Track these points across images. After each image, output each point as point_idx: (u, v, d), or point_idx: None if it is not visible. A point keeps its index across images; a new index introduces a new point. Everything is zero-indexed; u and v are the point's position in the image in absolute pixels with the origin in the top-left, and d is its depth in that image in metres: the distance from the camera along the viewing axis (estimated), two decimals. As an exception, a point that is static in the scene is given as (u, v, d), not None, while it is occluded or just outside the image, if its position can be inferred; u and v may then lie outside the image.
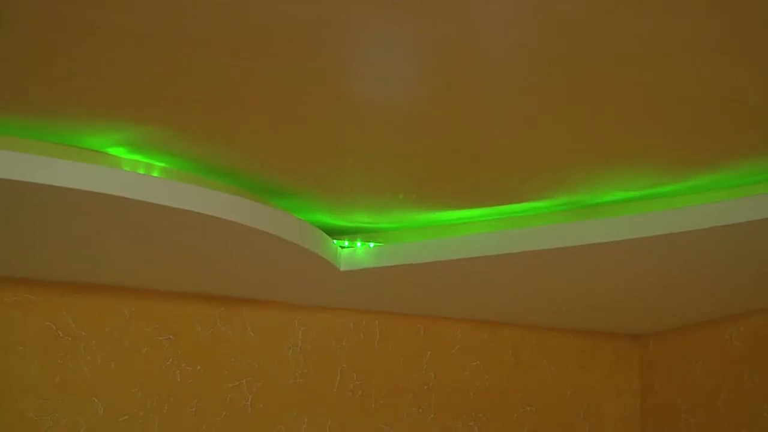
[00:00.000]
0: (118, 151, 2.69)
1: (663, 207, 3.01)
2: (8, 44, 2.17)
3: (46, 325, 3.38)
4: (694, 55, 2.21)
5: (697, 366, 3.96)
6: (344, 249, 3.37)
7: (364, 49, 2.26)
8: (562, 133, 2.68)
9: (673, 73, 2.31)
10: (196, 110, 2.54)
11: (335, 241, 3.35)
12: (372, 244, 3.38)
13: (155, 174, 2.79)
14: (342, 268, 3.34)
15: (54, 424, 3.31)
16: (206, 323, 3.59)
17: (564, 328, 4.06)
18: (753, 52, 2.23)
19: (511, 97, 2.46)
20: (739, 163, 2.83)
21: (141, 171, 2.76)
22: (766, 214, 2.81)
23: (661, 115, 2.55)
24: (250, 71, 2.33)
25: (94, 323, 3.45)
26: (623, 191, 3.00)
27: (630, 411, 4.12)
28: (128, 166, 2.74)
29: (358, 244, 3.38)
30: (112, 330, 3.46)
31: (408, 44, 2.20)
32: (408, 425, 3.79)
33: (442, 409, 3.83)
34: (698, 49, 2.19)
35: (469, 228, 3.32)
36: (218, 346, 3.61)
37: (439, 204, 3.22)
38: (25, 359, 3.34)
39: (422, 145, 2.79)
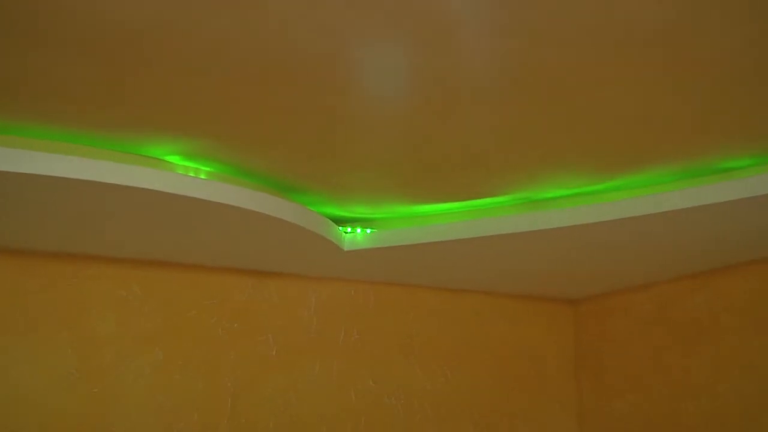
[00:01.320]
0: (174, 159, 2.86)
1: (592, 201, 3.14)
2: (92, 75, 2.30)
3: (119, 292, 3.54)
4: (613, 87, 2.39)
5: (617, 323, 4.20)
6: (347, 234, 3.50)
7: (363, 79, 2.38)
8: (517, 144, 2.81)
9: (600, 100, 2.47)
10: (233, 127, 2.67)
11: (340, 227, 3.47)
12: (369, 230, 3.49)
13: (202, 176, 2.91)
14: (345, 249, 3.48)
15: (126, 367, 3.47)
16: (242, 291, 3.74)
17: (515, 294, 4.26)
18: (662, 84, 2.36)
19: (480, 116, 2.61)
20: (651, 168, 2.96)
21: (191, 174, 2.89)
22: (670, 207, 2.98)
23: (591, 132, 2.69)
24: (275, 98, 2.46)
25: (155, 290, 3.59)
26: (562, 189, 3.15)
27: (566, 357, 4.38)
28: (181, 170, 2.88)
29: (358, 230, 3.50)
30: (169, 296, 3.60)
31: (400, 72, 2.32)
32: (395, 368, 3.97)
33: (421, 355, 4.04)
34: (614, 82, 2.37)
35: (443, 218, 3.42)
36: (251, 308, 3.74)
37: (420, 199, 3.32)
38: (104, 319, 3.49)
39: (408, 153, 2.90)
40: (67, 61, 2.23)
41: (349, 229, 3.51)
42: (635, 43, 2.12)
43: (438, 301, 4.14)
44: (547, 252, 3.49)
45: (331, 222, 3.40)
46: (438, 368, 4.06)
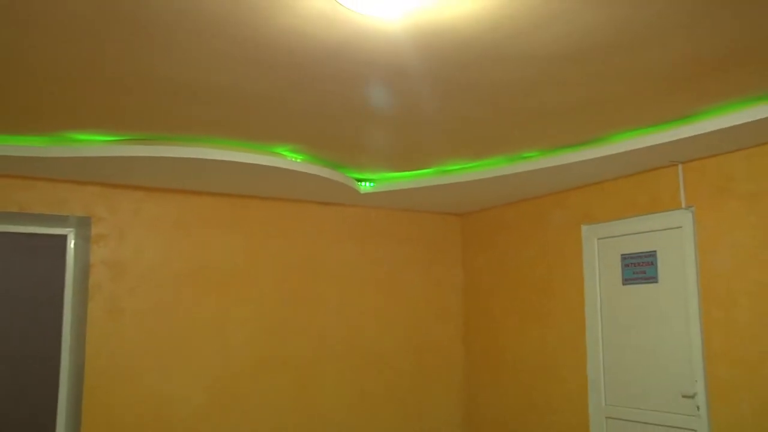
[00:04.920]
0: (285, 152, 3.76)
1: (470, 171, 4.18)
2: (250, 118, 3.03)
3: (262, 212, 4.65)
4: (482, 125, 3.08)
5: (486, 227, 5.28)
6: (362, 186, 4.50)
7: (372, 119, 2.98)
8: (443, 147, 3.61)
9: (479, 130, 3.22)
10: (312, 139, 3.48)
11: (359, 182, 4.48)
12: (372, 184, 4.49)
13: (298, 159, 3.78)
14: (362, 192, 4.53)
15: (266, 247, 4.71)
16: (314, 211, 4.98)
17: (435, 211, 5.46)
18: (509, 131, 3.09)
19: (430, 136, 3.32)
20: (492, 157, 3.93)
21: (292, 159, 3.76)
22: (503, 173, 4.05)
23: (472, 141, 3.55)
24: (331, 127, 3.24)
25: (277, 211, 4.76)
26: (456, 165, 4.20)
27: (456, 240, 5.57)
28: (289, 157, 3.75)
29: (367, 183, 4.49)
30: (283, 212, 4.81)
31: (389, 120, 2.98)
32: (379, 246, 5.24)
33: (392, 239, 5.32)
34: (482, 124, 3.03)
35: (406, 178, 4.42)
36: (318, 219, 4.92)
37: (396, 169, 4.29)
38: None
39: (392, 149, 3.77)
40: (241, 112, 2.96)
41: (363, 183, 4.48)
42: (507, 112, 2.84)
43: (400, 216, 5.41)
44: (450, 193, 4.71)
45: (354, 180, 4.46)
46: (395, 243, 5.38)
